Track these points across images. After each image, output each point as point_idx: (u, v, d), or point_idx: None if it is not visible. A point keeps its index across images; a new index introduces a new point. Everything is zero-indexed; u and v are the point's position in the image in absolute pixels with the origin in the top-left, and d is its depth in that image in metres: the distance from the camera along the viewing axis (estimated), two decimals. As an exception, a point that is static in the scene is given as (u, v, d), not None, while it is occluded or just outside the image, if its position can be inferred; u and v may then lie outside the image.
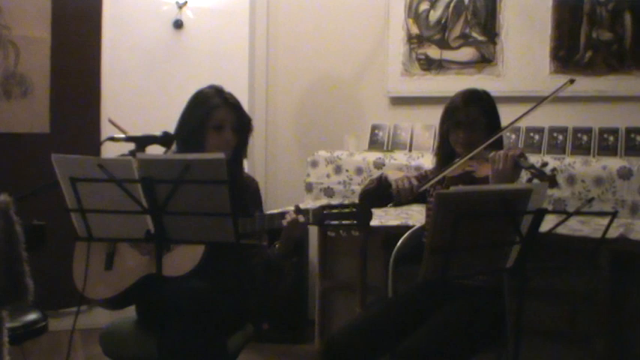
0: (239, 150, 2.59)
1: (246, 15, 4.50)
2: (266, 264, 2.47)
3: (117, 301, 2.47)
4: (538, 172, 2.31)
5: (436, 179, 2.56)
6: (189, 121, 2.55)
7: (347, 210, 2.30)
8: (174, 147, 2.48)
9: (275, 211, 2.51)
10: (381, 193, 2.67)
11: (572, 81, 2.60)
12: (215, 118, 2.52)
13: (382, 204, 2.70)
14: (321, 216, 2.31)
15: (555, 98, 3.61)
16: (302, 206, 2.38)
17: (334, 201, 3.76)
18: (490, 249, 2.04)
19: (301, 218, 2.32)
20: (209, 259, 2.35)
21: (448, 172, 2.55)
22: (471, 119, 2.61)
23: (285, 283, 2.61)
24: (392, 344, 2.37)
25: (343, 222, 2.29)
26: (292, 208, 2.38)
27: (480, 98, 2.68)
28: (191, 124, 2.53)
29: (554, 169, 2.35)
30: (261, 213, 2.47)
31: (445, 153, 2.72)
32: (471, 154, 2.53)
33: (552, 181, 2.25)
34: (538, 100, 3.62)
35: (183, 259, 2.34)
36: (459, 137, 2.63)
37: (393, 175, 2.65)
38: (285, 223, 2.33)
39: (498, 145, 2.63)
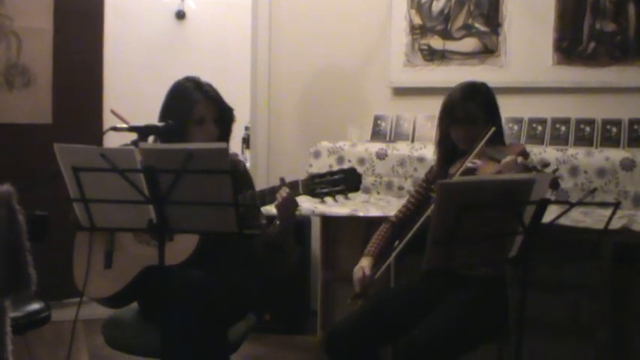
0: (223, 139, 2.57)
1: (249, 5, 4.49)
2: (266, 243, 2.47)
3: (118, 299, 2.47)
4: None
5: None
6: (170, 115, 2.52)
7: (336, 176, 2.32)
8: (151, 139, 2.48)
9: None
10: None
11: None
12: (196, 114, 2.50)
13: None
14: (311, 185, 2.32)
15: (559, 89, 3.67)
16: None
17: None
18: (493, 239, 2.04)
19: (284, 193, 2.32)
20: (207, 245, 2.36)
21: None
22: (470, 115, 2.57)
23: (291, 260, 2.59)
24: (394, 335, 2.37)
25: (333, 189, 2.31)
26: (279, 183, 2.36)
27: (478, 92, 2.64)
28: (172, 118, 2.50)
29: (556, 170, 2.33)
30: (252, 191, 2.46)
31: (446, 148, 2.69)
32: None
33: (554, 183, 2.23)
34: (540, 91, 3.69)
35: (180, 247, 2.34)
36: (460, 134, 2.60)
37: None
38: (277, 205, 2.34)
39: (499, 138, 2.62)
